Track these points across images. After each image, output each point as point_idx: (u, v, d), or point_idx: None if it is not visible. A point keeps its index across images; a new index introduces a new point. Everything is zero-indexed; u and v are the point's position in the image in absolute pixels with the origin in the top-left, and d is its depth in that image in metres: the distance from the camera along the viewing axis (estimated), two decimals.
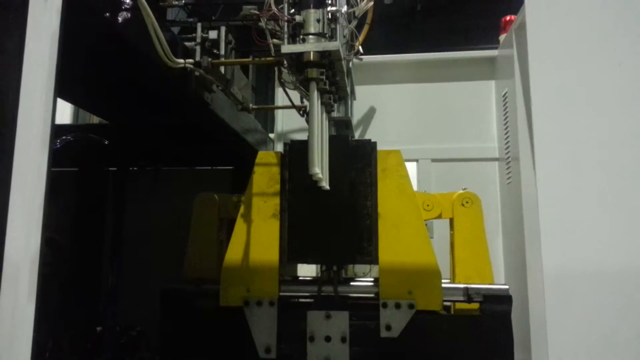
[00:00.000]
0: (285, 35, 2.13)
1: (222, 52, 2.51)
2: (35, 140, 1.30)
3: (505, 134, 3.62)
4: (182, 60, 2.35)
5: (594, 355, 1.86)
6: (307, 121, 2.30)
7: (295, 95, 2.91)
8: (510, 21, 3.64)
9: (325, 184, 2.09)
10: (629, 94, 1.93)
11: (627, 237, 1.88)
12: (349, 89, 2.73)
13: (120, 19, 1.94)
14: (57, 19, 1.36)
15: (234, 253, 2.38)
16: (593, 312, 1.87)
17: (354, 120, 3.59)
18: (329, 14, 2.16)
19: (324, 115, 2.23)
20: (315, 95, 2.06)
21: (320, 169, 1.98)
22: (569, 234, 1.90)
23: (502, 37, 3.78)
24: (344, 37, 2.43)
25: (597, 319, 1.87)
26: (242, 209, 2.43)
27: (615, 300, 1.87)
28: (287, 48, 2.07)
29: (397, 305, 2.26)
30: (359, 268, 3.09)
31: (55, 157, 1.41)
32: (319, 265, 2.63)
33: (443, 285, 2.31)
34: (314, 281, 2.54)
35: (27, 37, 1.33)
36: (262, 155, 2.50)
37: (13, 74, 1.30)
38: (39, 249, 1.30)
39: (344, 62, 2.26)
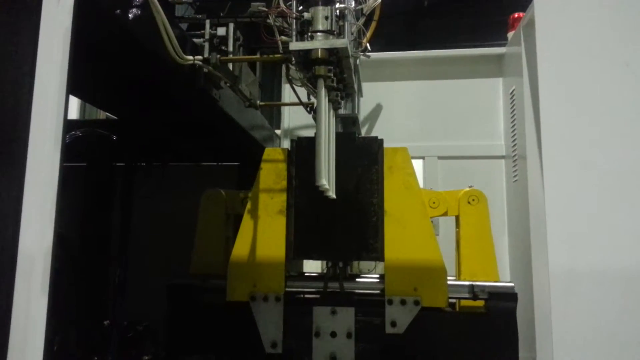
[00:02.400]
0: (294, 33, 2.14)
1: (230, 49, 2.52)
2: (49, 136, 1.32)
3: (512, 131, 3.61)
4: (190, 57, 2.36)
5: (598, 353, 1.86)
6: (314, 118, 2.31)
7: (302, 92, 2.92)
8: (519, 18, 3.62)
9: (332, 194, 2.11)
10: (636, 93, 1.93)
11: (633, 236, 1.88)
12: (356, 86, 2.74)
13: (130, 16, 1.96)
14: (69, 17, 1.38)
15: (240, 249, 2.39)
16: (598, 310, 1.88)
17: (361, 117, 3.59)
18: (337, 11, 2.16)
19: (331, 112, 2.24)
20: (322, 92, 2.07)
21: (327, 179, 1.98)
22: (576, 232, 1.90)
23: (510, 35, 3.77)
24: (352, 34, 2.43)
25: (602, 317, 1.87)
26: (248, 205, 2.45)
27: (620, 299, 1.87)
28: (295, 45, 2.08)
29: (403, 302, 2.27)
30: (365, 265, 3.10)
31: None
32: (324, 262, 2.65)
33: (448, 282, 2.32)
34: (320, 277, 2.56)
35: (40, 35, 1.35)
36: (269, 152, 2.52)
37: (27, 71, 1.32)
38: (52, 244, 1.32)
39: (351, 59, 2.26)
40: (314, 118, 2.39)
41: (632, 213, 1.89)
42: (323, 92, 2.07)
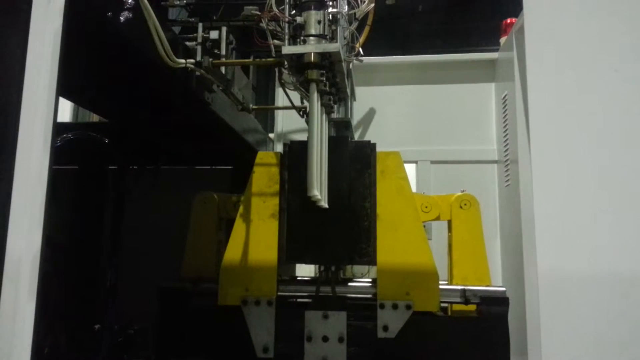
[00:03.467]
0: (286, 36, 2.15)
1: (223, 52, 2.52)
2: (38, 139, 1.31)
3: (505, 136, 3.63)
4: (183, 60, 2.36)
5: (588, 358, 1.87)
6: (307, 122, 2.31)
7: (295, 96, 2.92)
8: (511, 24, 3.65)
9: (324, 204, 2.10)
10: (626, 99, 1.94)
11: (622, 242, 1.89)
12: (349, 90, 2.75)
13: (122, 18, 1.95)
14: (59, 18, 1.37)
15: (232, 252, 2.39)
16: (587, 316, 1.88)
17: (354, 122, 3.60)
18: (330, 15, 2.17)
19: (324, 116, 2.24)
20: (315, 96, 2.07)
21: (319, 189, 1.98)
22: (565, 237, 1.91)
23: (502, 40, 3.80)
24: (345, 38, 2.44)
25: (591, 322, 1.88)
26: (241, 209, 2.44)
27: (609, 304, 1.88)
28: (287, 49, 2.08)
29: (395, 306, 2.27)
30: (357, 269, 3.10)
31: (55, 155, 1.42)
32: (317, 266, 2.64)
33: (440, 286, 2.32)
34: (312, 281, 2.55)
35: (30, 36, 1.34)
36: (262, 156, 2.51)
37: (16, 73, 1.32)
38: (41, 247, 1.31)
39: (344, 64, 2.27)
40: (307, 122, 2.39)
41: (622, 218, 1.90)
42: (315, 96, 2.07)
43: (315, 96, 2.07)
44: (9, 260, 1.28)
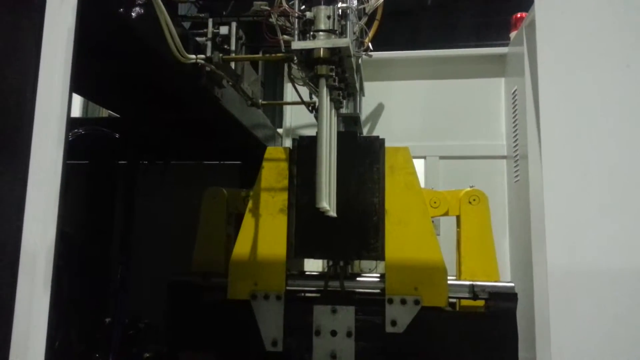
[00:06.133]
0: (296, 32, 2.15)
1: (233, 47, 2.52)
2: (52, 134, 1.33)
3: (514, 131, 3.61)
4: (193, 56, 2.36)
5: (596, 355, 1.87)
6: (316, 117, 2.32)
7: (304, 91, 2.92)
8: (521, 18, 3.62)
9: (333, 214, 2.10)
10: (636, 94, 1.93)
11: (631, 237, 1.88)
12: (357, 86, 2.74)
13: (133, 14, 1.97)
14: (72, 16, 1.39)
15: (242, 247, 2.40)
16: (597, 311, 1.88)
17: (363, 117, 3.60)
18: (339, 10, 2.17)
19: (333, 111, 2.24)
20: (324, 91, 2.07)
21: (327, 201, 1.98)
22: (574, 233, 1.90)
23: (512, 35, 3.77)
24: (354, 33, 2.44)
25: (600, 318, 1.88)
26: (250, 204, 2.46)
27: (618, 300, 1.87)
28: (297, 44, 2.08)
29: (403, 301, 2.27)
30: (365, 264, 3.11)
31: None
32: (325, 261, 2.65)
33: (449, 282, 2.33)
34: (320, 276, 2.57)
35: (44, 34, 1.36)
36: (271, 151, 2.52)
37: (31, 70, 1.34)
38: (55, 241, 1.33)
39: (353, 59, 2.27)
40: (316, 117, 2.39)
41: (632, 214, 1.89)
42: (325, 91, 2.08)
43: (324, 91, 2.07)
44: (25, 254, 1.31)
